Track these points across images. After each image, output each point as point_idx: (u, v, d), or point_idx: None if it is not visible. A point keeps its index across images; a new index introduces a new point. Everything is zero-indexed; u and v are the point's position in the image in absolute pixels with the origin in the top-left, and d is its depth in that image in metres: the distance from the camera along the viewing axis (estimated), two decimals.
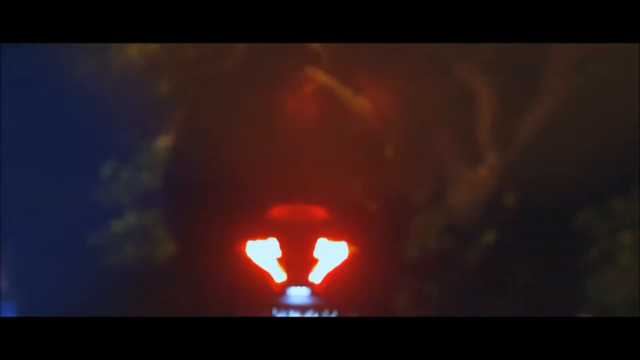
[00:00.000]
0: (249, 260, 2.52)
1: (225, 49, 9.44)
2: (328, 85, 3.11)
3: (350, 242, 2.55)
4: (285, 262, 2.49)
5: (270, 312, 2.62)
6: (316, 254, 2.54)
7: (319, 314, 2.55)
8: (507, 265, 12.31)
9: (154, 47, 9.66)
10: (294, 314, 2.60)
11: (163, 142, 11.14)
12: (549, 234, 11.39)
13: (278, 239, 2.50)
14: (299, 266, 2.45)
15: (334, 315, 2.80)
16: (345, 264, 2.52)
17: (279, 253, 2.51)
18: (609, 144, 10.44)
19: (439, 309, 13.45)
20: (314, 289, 2.47)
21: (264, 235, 2.49)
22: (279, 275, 2.52)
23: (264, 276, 2.48)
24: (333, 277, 2.51)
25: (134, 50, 9.91)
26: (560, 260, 11.68)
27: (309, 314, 2.59)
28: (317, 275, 2.53)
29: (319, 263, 2.49)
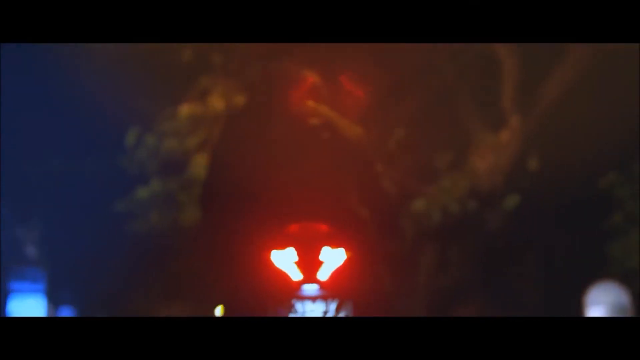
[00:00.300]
0: (273, 264, 3.12)
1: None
2: (329, 117, 3.45)
3: (346, 248, 3.15)
4: (300, 265, 3.10)
5: (291, 302, 3.24)
6: (321, 257, 3.15)
7: (325, 302, 3.15)
8: (529, 229, 12.35)
9: None
10: (308, 303, 3.21)
11: (187, 109, 11.20)
12: (572, 197, 11.39)
13: (295, 248, 3.10)
14: (310, 268, 3.08)
15: (335, 302, 3.33)
16: (343, 265, 3.14)
17: (296, 258, 3.11)
18: (633, 107, 10.37)
19: (460, 274, 13.57)
20: (321, 285, 3.10)
21: (284, 245, 3.10)
22: (296, 275, 3.12)
23: (285, 276, 3.05)
24: (335, 275, 3.09)
25: None
26: (583, 224, 11.70)
27: (318, 303, 3.18)
28: (323, 274, 3.14)
29: (323, 265, 3.09)
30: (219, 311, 31.34)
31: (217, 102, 11.09)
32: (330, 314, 3.04)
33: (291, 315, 3.08)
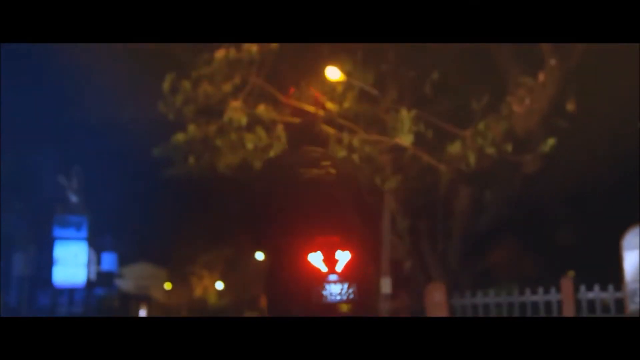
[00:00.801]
0: (309, 262, 3.96)
1: None
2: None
3: (350, 251, 4.01)
4: (325, 262, 3.96)
5: (322, 284, 4.00)
6: (336, 257, 4.02)
7: (341, 284, 3.97)
8: (566, 171, 12.23)
9: None
10: (332, 285, 3.95)
11: (222, 54, 11.21)
12: (610, 140, 11.23)
13: (322, 252, 3.99)
14: (331, 263, 3.94)
15: (347, 284, 4.05)
16: (349, 262, 3.95)
17: (322, 257, 3.98)
18: None
19: (495, 214, 13.54)
20: (338, 274, 3.98)
21: (315, 250, 3.97)
22: (323, 268, 4.00)
23: (317, 269, 3.85)
24: (345, 267, 3.94)
25: None
26: (621, 166, 11.55)
27: (337, 284, 3.96)
28: (339, 267, 4.00)
29: (338, 262, 3.95)
30: (259, 256, 31.82)
31: (251, 47, 11.09)
32: (344, 291, 4.14)
33: (323, 292, 4.22)
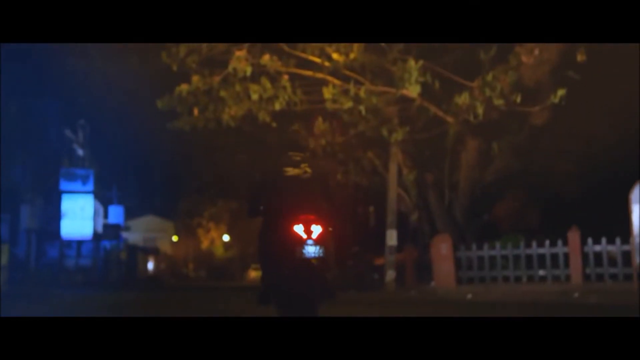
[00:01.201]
0: (295, 230, 4.84)
1: None
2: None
3: (321, 226, 4.87)
4: (305, 232, 4.81)
5: (303, 245, 5.88)
6: (312, 229, 4.92)
7: (315, 246, 5.87)
8: (575, 123, 12.13)
9: None
10: (309, 246, 5.94)
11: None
12: (621, 91, 11.08)
13: (302, 225, 4.90)
14: (308, 233, 4.79)
15: (319, 247, 5.89)
16: (320, 233, 4.74)
17: (303, 228, 4.83)
18: None
19: (503, 167, 13.52)
20: (313, 240, 4.90)
21: (298, 223, 4.87)
22: (303, 235, 4.88)
23: (300, 235, 4.61)
24: (317, 236, 4.76)
25: None
26: (632, 117, 11.42)
27: (312, 246, 5.91)
28: (314, 236, 4.88)
29: (313, 232, 4.81)
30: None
31: None
32: (316, 251, 4.93)
33: (303, 251, 5.30)
